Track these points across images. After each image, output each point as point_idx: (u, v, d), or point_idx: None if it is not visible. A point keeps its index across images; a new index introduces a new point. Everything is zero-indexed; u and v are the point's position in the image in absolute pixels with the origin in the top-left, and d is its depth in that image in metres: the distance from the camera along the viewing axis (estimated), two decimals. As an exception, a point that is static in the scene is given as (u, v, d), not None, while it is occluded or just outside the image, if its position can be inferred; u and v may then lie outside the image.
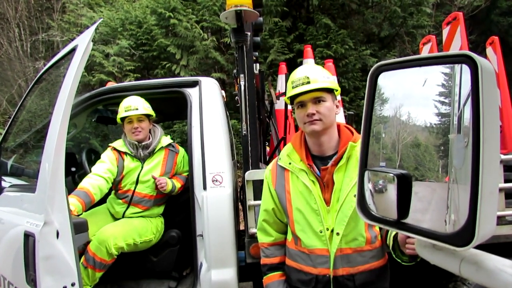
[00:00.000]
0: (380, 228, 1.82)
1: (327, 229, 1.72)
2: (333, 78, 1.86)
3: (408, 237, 1.47)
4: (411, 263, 1.58)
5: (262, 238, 2.01)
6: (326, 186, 1.77)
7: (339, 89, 1.85)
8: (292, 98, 1.81)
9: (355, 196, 1.61)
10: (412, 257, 1.51)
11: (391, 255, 1.72)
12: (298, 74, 1.80)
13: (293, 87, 1.78)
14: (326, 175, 1.76)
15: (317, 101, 1.75)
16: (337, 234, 1.71)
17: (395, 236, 1.61)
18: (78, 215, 2.55)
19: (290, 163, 1.85)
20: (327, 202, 1.75)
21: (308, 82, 1.73)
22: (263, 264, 1.99)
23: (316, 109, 1.73)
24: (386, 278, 1.83)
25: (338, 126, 1.87)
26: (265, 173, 2.01)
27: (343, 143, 1.79)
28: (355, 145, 1.75)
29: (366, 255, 1.75)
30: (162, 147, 3.15)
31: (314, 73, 1.77)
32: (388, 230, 1.73)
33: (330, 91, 1.78)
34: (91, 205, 2.77)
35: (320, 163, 1.81)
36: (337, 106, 1.82)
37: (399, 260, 1.65)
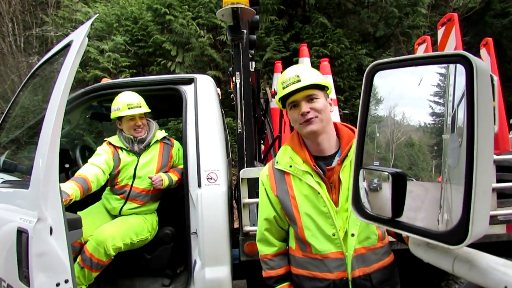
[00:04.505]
0: None
1: (341, 230, 1.66)
2: (324, 77, 1.80)
3: None
4: None
5: (265, 250, 1.89)
6: (333, 186, 1.70)
7: (330, 87, 1.80)
8: (284, 100, 1.75)
9: None
10: None
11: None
12: (287, 74, 1.74)
13: (283, 88, 1.72)
14: (332, 175, 1.70)
15: (310, 99, 1.69)
16: (352, 235, 1.65)
17: None
18: (74, 201, 2.54)
19: (291, 166, 1.75)
20: (335, 203, 1.69)
21: (299, 81, 1.68)
22: (268, 277, 1.87)
23: (310, 106, 1.68)
24: (397, 272, 1.80)
25: (335, 124, 1.82)
26: (261, 179, 1.89)
27: (345, 141, 1.74)
28: None
29: (379, 252, 1.72)
30: (157, 140, 3.16)
31: (304, 72, 1.73)
32: None
33: (321, 89, 1.73)
34: (88, 193, 2.75)
35: (323, 163, 1.74)
36: (330, 104, 1.76)
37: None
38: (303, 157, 1.74)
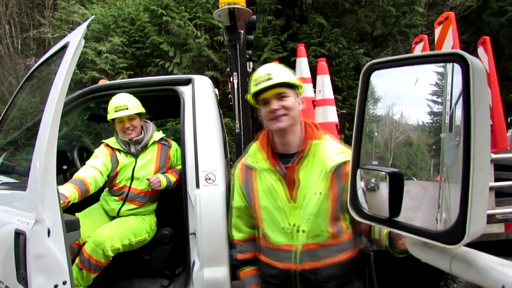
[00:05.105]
0: (357, 224, 1.85)
1: (290, 224, 1.77)
2: (295, 76, 1.90)
3: None
4: (405, 254, 1.59)
5: (236, 235, 2.05)
6: (291, 183, 1.79)
7: (301, 85, 1.87)
8: (256, 97, 1.83)
9: (315, 193, 1.71)
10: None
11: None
12: (260, 72, 1.82)
13: (255, 85, 1.80)
14: (290, 174, 1.79)
15: (280, 97, 1.76)
16: (302, 231, 1.75)
17: (389, 233, 1.64)
18: (72, 203, 2.53)
19: (255, 162, 1.87)
20: (292, 199, 1.78)
21: (270, 79, 1.76)
22: (238, 259, 2.06)
23: (279, 104, 1.75)
24: (352, 270, 1.87)
25: (304, 123, 1.90)
26: (234, 172, 2.03)
27: (306, 140, 1.82)
28: (318, 143, 1.79)
29: (330, 249, 1.78)
30: (155, 141, 3.14)
31: (276, 70, 1.80)
32: (372, 227, 1.76)
33: (292, 88, 1.81)
34: (86, 195, 2.74)
35: (285, 161, 1.83)
36: (300, 103, 1.84)
37: (396, 255, 1.68)
38: (265, 155, 1.85)
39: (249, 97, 1.89)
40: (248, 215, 1.98)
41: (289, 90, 1.79)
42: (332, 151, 1.78)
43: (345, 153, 1.79)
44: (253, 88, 1.81)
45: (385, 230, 1.66)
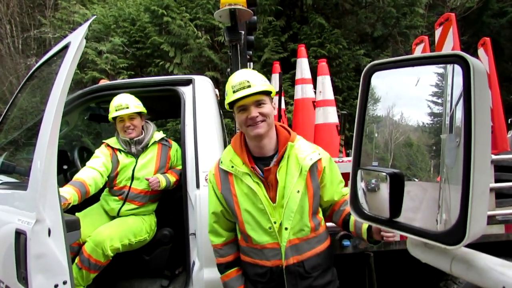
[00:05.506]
0: (330, 215, 2.03)
1: (275, 223, 1.84)
2: (268, 81, 1.97)
3: None
4: (379, 244, 1.89)
5: (214, 240, 2.08)
6: (271, 185, 1.88)
7: (274, 91, 1.94)
8: (232, 103, 1.87)
9: (298, 192, 1.80)
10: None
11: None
12: (237, 79, 1.86)
13: (234, 92, 1.83)
14: (270, 175, 1.87)
15: (258, 104, 1.84)
16: (286, 228, 1.84)
17: (369, 228, 1.79)
18: (73, 204, 2.53)
19: (232, 167, 1.91)
20: (273, 200, 1.86)
21: (249, 86, 1.81)
22: (219, 264, 2.08)
23: (258, 111, 1.83)
24: (331, 258, 2.00)
25: (275, 126, 1.98)
26: (209, 177, 2.07)
27: (282, 143, 1.91)
28: (293, 145, 1.88)
29: (312, 242, 1.90)
30: (155, 141, 3.14)
31: (253, 77, 1.86)
32: (349, 219, 1.91)
33: (268, 95, 1.89)
34: (86, 197, 2.74)
35: (262, 164, 1.90)
36: (274, 108, 1.94)
37: (371, 245, 1.90)
38: (243, 159, 1.90)
39: (226, 103, 1.92)
40: (226, 218, 2.02)
41: (266, 97, 1.87)
42: (306, 151, 1.88)
43: (317, 151, 1.92)
44: (232, 95, 1.84)
45: (364, 226, 1.81)
